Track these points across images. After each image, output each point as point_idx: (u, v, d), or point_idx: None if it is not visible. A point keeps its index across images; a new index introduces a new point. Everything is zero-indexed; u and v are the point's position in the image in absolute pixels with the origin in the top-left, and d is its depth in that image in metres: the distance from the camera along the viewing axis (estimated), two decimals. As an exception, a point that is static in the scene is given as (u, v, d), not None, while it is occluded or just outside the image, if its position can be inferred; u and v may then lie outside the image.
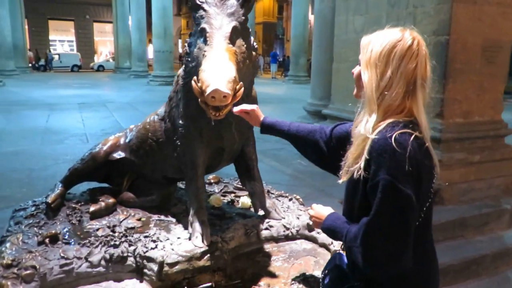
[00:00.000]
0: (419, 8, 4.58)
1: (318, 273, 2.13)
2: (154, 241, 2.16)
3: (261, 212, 2.56)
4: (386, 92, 1.40)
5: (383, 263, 1.37)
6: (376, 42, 1.44)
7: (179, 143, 2.35)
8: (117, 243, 2.16)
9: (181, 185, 2.99)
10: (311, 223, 2.48)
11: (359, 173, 1.40)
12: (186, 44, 2.18)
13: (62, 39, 43.49)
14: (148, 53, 28.31)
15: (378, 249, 1.37)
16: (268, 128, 2.03)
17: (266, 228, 2.48)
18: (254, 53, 2.17)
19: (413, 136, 1.34)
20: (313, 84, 8.40)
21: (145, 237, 2.22)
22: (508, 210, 4.53)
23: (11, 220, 2.51)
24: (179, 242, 2.17)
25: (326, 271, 1.79)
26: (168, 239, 2.20)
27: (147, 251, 2.10)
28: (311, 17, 21.41)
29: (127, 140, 2.75)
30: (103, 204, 2.58)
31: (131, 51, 26.09)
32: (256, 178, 2.56)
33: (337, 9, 5.96)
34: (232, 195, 2.97)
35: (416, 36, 1.43)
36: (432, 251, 1.57)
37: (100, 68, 36.65)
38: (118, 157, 2.72)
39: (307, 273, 2.06)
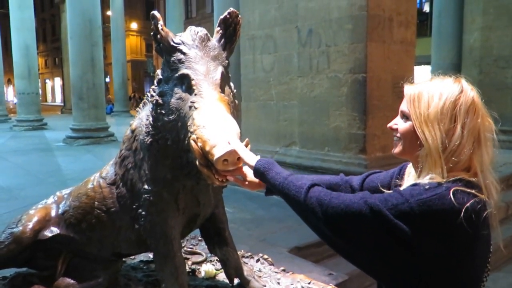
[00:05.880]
0: (332, 47, 4.68)
1: None
2: None
3: (236, 281, 2.21)
4: (454, 150, 1.24)
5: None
6: (431, 94, 1.27)
7: (143, 213, 1.91)
8: None
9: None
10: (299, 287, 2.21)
11: None
12: (154, 94, 1.80)
13: None
14: (7, 95, 25.28)
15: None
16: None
17: (250, 301, 2.14)
18: (236, 101, 1.87)
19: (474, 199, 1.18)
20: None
21: None
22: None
23: None
24: None
25: None
26: None
27: None
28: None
29: (60, 212, 2.20)
30: (38, 300, 2.00)
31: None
32: (229, 243, 2.21)
33: (242, 49, 5.84)
34: (189, 262, 2.55)
35: (473, 87, 1.30)
36: None
37: None
38: (51, 234, 2.15)
39: None
